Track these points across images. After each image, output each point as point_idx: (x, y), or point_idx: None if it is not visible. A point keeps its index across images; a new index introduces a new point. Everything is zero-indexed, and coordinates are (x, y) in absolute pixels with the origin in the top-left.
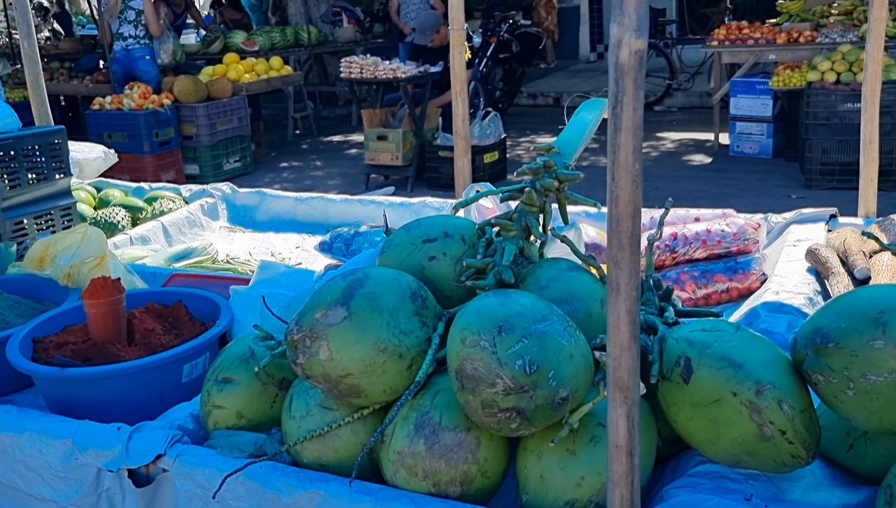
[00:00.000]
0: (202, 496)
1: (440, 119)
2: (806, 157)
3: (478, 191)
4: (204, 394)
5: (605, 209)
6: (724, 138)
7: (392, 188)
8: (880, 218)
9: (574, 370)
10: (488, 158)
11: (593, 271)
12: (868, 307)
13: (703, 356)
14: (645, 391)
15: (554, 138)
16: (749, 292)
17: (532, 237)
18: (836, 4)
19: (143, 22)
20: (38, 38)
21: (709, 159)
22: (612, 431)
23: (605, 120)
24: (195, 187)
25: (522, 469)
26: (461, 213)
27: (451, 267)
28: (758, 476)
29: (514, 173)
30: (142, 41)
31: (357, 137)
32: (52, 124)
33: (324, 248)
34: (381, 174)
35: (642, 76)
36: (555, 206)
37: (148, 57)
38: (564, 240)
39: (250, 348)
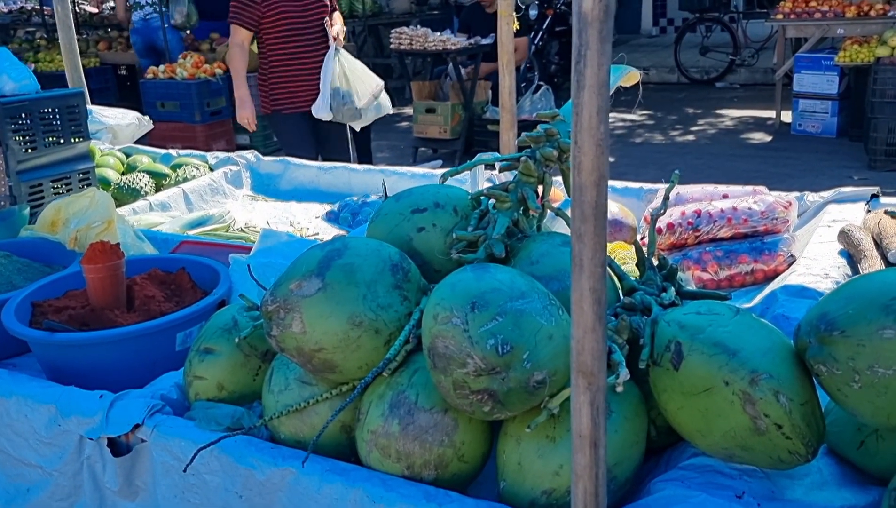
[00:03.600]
0: (178, 468)
1: (490, 92)
2: (871, 137)
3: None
4: (187, 364)
5: (611, 183)
6: (787, 117)
7: (440, 162)
8: None
9: (553, 351)
10: None
11: None
12: (879, 293)
13: (695, 341)
14: (629, 377)
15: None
16: (775, 275)
17: (530, 210)
18: None
19: None
20: (102, 8)
21: (769, 138)
22: (574, 420)
23: (622, 90)
24: (221, 155)
25: (502, 454)
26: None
27: (440, 239)
28: (754, 472)
29: (516, 142)
30: (159, 8)
31: (409, 111)
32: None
33: (330, 218)
34: (430, 148)
35: (609, 28)
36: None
37: (167, 26)
38: (559, 213)
39: (234, 318)
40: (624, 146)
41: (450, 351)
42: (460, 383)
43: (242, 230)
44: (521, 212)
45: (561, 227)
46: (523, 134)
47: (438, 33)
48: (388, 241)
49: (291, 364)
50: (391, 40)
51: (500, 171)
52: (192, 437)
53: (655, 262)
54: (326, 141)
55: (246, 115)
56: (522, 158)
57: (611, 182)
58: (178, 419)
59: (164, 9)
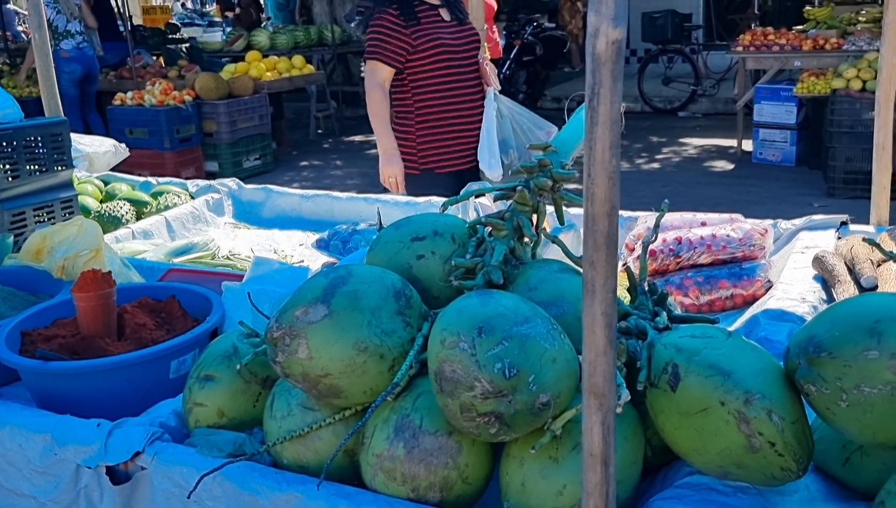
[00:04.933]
0: (179, 495)
1: None
2: (829, 165)
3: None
4: (186, 391)
5: (575, 211)
6: (748, 145)
7: None
8: (892, 226)
9: (556, 374)
10: None
11: None
12: (863, 316)
13: (692, 364)
14: (629, 398)
15: None
16: (753, 299)
17: (525, 238)
18: (863, 12)
19: (74, 15)
20: None
21: (731, 166)
22: (586, 439)
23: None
24: (202, 183)
25: (505, 475)
26: (460, 214)
27: (439, 266)
28: (747, 489)
29: (510, 172)
30: (85, 36)
31: None
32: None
33: (321, 245)
34: None
35: (620, 67)
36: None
37: (91, 53)
38: (555, 241)
39: (234, 345)
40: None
41: (457, 375)
42: (467, 406)
43: (228, 258)
44: (516, 240)
45: (553, 254)
46: (518, 164)
47: None
48: (389, 268)
49: (293, 390)
50: (361, 68)
51: (496, 200)
52: (194, 464)
53: (646, 287)
54: None
55: (394, 172)
56: (518, 188)
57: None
58: (179, 447)
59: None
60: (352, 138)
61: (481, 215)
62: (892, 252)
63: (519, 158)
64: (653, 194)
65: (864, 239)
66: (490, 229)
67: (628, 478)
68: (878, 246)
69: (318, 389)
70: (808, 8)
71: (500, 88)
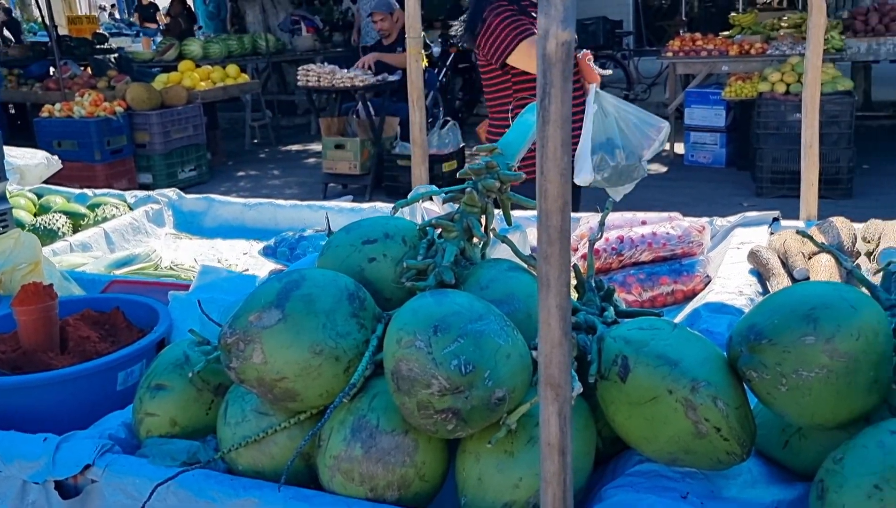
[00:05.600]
0: (132, 506)
1: (398, 128)
2: (757, 165)
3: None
4: (136, 402)
5: (521, 213)
6: (679, 148)
7: (350, 197)
8: (820, 221)
9: (511, 369)
10: (447, 166)
11: (534, 271)
12: (800, 304)
13: (640, 355)
14: (582, 390)
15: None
16: (693, 294)
17: (475, 239)
18: (785, 18)
19: None
20: None
21: (664, 169)
22: (543, 429)
23: None
24: (141, 194)
25: (461, 471)
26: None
27: (391, 269)
28: (695, 475)
29: (457, 174)
30: None
31: (316, 147)
32: None
33: (268, 252)
34: (340, 183)
35: (570, 68)
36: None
37: None
38: (505, 240)
39: (185, 353)
40: (531, 181)
41: (414, 373)
42: (425, 403)
43: (171, 268)
44: (466, 241)
45: (501, 254)
46: (466, 166)
47: (346, 70)
48: (340, 271)
49: (248, 396)
50: (298, 77)
51: (444, 202)
52: (147, 474)
53: (594, 284)
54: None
55: None
56: (467, 190)
57: (528, 212)
58: (131, 458)
59: None
60: (289, 147)
61: (427, 218)
62: (823, 244)
63: (626, 157)
64: (589, 196)
65: (797, 232)
66: (440, 230)
67: (582, 469)
68: (810, 238)
69: (273, 393)
70: (733, 14)
71: (600, 82)
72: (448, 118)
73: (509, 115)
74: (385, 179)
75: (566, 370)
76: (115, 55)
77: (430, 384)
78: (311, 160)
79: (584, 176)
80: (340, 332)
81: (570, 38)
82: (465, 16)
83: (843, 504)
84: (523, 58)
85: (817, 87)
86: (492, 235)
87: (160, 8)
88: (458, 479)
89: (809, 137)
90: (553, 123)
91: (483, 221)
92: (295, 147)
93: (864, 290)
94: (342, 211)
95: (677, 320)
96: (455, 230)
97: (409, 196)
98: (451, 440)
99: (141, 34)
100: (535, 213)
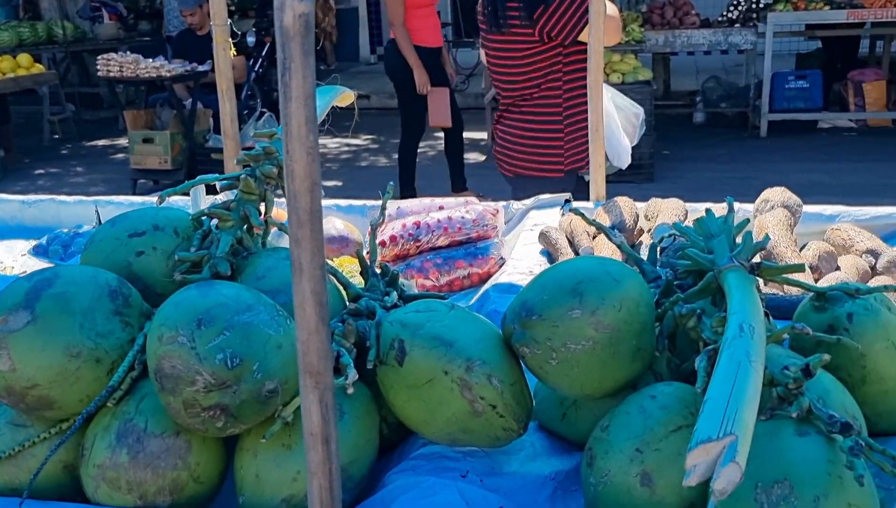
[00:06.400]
0: None
1: (211, 120)
2: None
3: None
4: None
5: (336, 201)
6: None
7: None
8: (606, 201)
9: (283, 360)
10: None
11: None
12: (567, 279)
13: (416, 337)
14: (357, 377)
15: (332, 139)
16: (489, 276)
17: (255, 228)
18: None
19: None
20: None
21: (483, 158)
22: (306, 419)
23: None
24: None
25: (239, 469)
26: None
27: (163, 262)
28: (476, 453)
29: (235, 161)
30: None
31: (124, 142)
32: None
33: (38, 252)
34: (150, 179)
35: (310, 41)
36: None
37: None
38: (282, 228)
39: None
40: (351, 170)
41: (177, 370)
42: (190, 401)
43: None
44: (244, 230)
45: (285, 243)
46: (242, 153)
47: (151, 60)
48: (106, 267)
49: (1, 408)
50: (98, 67)
51: (221, 190)
52: None
53: (378, 270)
54: None
55: None
56: (242, 177)
57: (336, 201)
58: None
59: None
60: (94, 143)
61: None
62: (595, 221)
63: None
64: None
65: (571, 211)
66: (216, 220)
67: (363, 456)
68: (583, 216)
69: (25, 402)
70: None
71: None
72: (265, 110)
73: (562, 96)
74: (199, 173)
75: (325, 358)
76: None
77: (194, 380)
78: (120, 156)
79: (626, 158)
80: (101, 332)
81: (308, 10)
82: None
83: (609, 469)
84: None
85: (600, 71)
86: (270, 223)
87: None
88: (237, 478)
89: (595, 119)
90: (296, 100)
91: (262, 208)
92: (101, 142)
93: (631, 264)
94: (132, 205)
95: (472, 302)
96: (231, 219)
97: (182, 184)
98: (230, 437)
99: None
100: (336, 201)
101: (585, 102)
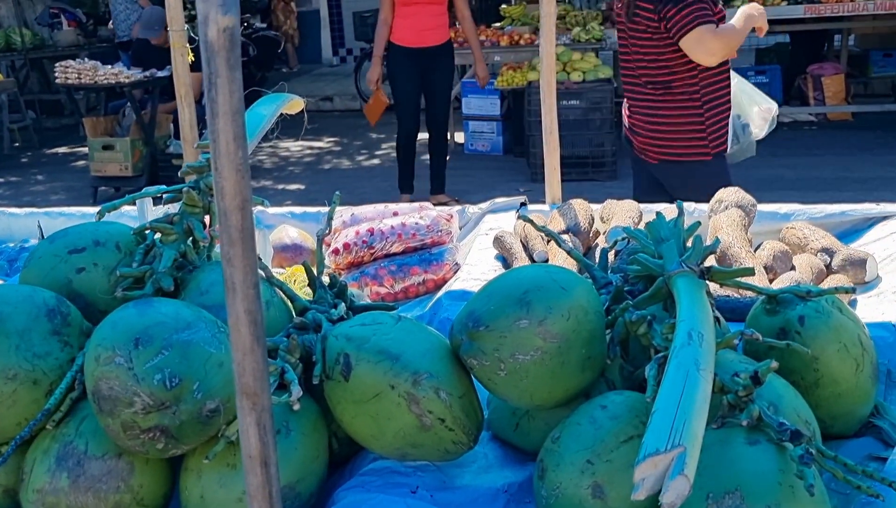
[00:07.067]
0: None
1: (172, 126)
2: (531, 152)
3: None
4: None
5: (276, 210)
6: (460, 137)
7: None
8: (561, 204)
9: (225, 378)
10: None
11: (260, 272)
12: (514, 288)
13: (362, 351)
14: (301, 394)
15: (294, 142)
16: (444, 282)
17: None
18: None
19: None
20: None
21: (447, 158)
22: (244, 441)
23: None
24: None
25: (184, 490)
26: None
27: (104, 278)
28: (427, 467)
29: (179, 173)
30: None
31: (86, 149)
32: None
33: None
34: (111, 186)
35: (236, 56)
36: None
37: None
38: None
39: None
40: (313, 173)
41: (115, 392)
42: (129, 423)
43: None
44: (188, 243)
45: None
46: (185, 165)
47: (109, 66)
48: (45, 285)
49: None
50: (56, 74)
51: (165, 203)
52: None
53: (326, 281)
54: None
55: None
56: (185, 189)
57: (290, 208)
58: None
59: None
60: (54, 150)
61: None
62: (544, 227)
63: (749, 134)
64: (374, 188)
65: (518, 216)
66: (159, 234)
67: (311, 474)
68: (532, 222)
69: None
70: (504, 6)
71: None
72: None
73: (699, 83)
74: (161, 179)
75: (262, 378)
76: None
77: (132, 402)
78: (81, 163)
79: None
80: (38, 353)
81: (232, 23)
82: None
83: (560, 482)
84: (693, 44)
85: (553, 73)
86: (214, 236)
87: None
88: (182, 499)
89: (549, 122)
90: (223, 116)
91: (206, 221)
92: (62, 150)
93: (581, 271)
94: (85, 215)
95: (425, 310)
96: (174, 233)
97: (125, 197)
98: (175, 458)
99: None
100: (291, 208)
101: (723, 87)
